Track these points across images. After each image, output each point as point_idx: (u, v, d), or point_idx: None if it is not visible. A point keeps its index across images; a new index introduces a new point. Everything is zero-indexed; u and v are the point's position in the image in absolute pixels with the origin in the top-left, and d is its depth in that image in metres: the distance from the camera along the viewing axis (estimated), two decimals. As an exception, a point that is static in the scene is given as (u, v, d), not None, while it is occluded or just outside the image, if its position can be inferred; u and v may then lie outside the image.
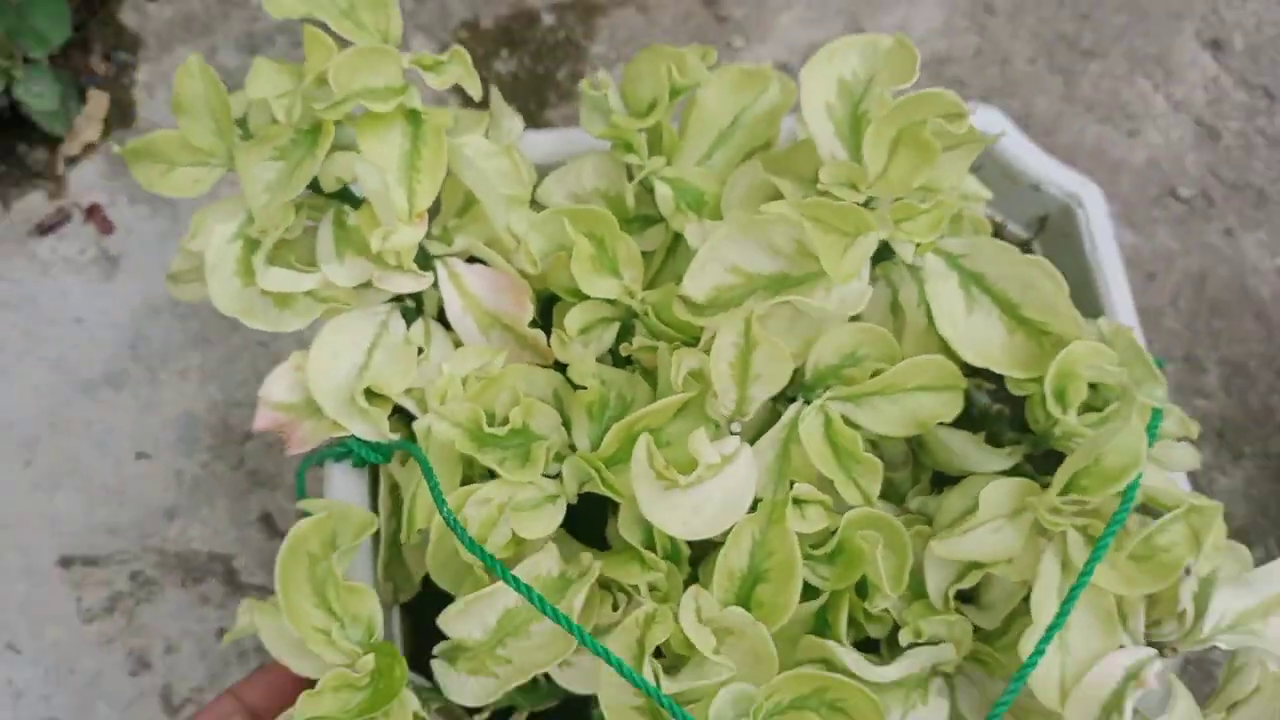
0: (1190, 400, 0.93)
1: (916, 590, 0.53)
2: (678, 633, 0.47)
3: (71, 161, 0.89)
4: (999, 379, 0.62)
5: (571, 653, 0.47)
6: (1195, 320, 0.98)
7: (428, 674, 0.52)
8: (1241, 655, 0.54)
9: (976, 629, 0.54)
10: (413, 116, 0.54)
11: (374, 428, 0.53)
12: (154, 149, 0.54)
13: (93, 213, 0.87)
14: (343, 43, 0.52)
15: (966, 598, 0.55)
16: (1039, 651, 0.47)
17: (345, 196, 0.56)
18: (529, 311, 0.57)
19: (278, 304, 0.54)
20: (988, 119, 0.65)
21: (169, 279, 0.57)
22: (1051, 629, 0.47)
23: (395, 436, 0.53)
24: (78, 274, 0.87)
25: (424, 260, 0.57)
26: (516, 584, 0.44)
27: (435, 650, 0.49)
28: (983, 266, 0.53)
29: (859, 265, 0.49)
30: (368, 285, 0.56)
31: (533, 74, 0.97)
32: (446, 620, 0.47)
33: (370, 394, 0.54)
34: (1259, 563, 0.52)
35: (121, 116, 0.90)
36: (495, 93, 0.63)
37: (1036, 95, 1.05)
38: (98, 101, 0.89)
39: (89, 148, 0.89)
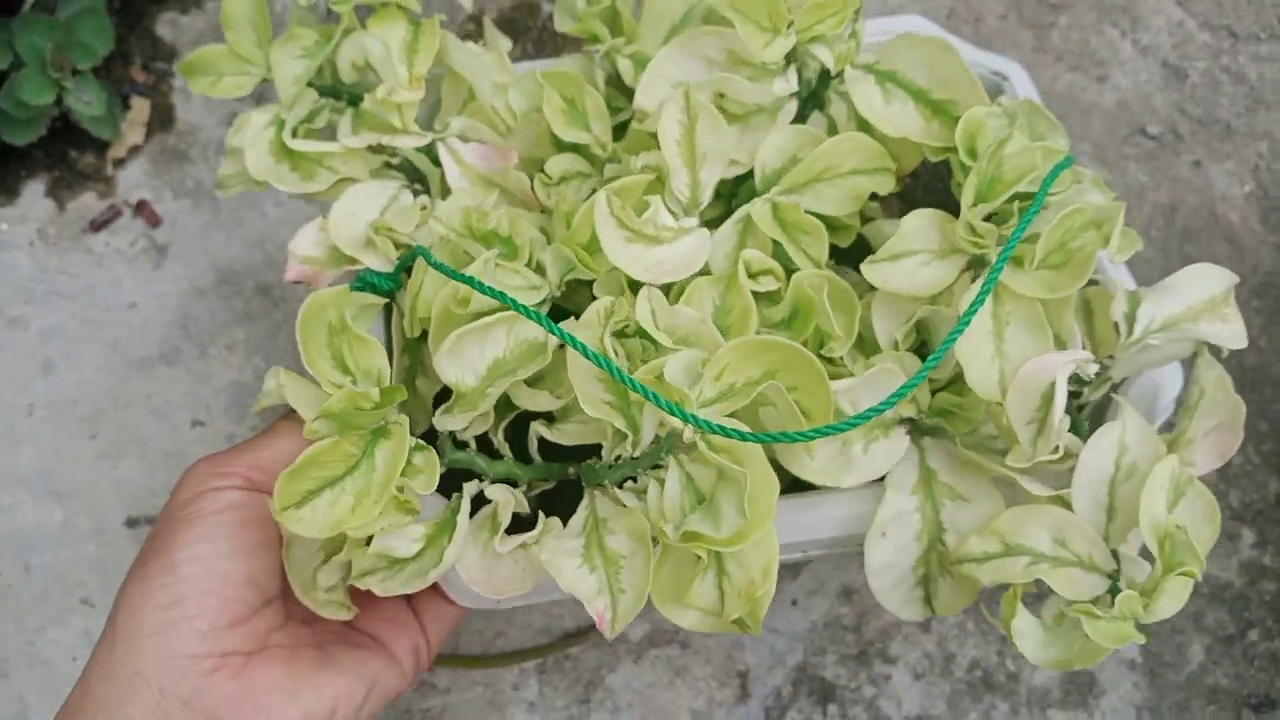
0: (1177, 301, 0.98)
1: (870, 350, 0.59)
2: (638, 339, 0.52)
3: (119, 163, 0.99)
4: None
5: (545, 364, 0.53)
6: (1168, 247, 1.03)
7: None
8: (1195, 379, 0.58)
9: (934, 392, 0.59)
10: (412, 19, 0.65)
11: (382, 257, 0.61)
12: (206, 62, 0.66)
13: (141, 208, 0.97)
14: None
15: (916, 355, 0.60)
16: (958, 330, 0.51)
17: (361, 100, 0.66)
18: (514, 159, 0.65)
19: (302, 175, 0.63)
20: (913, 23, 0.73)
21: (218, 185, 0.67)
22: (970, 310, 0.51)
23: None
24: (129, 264, 0.96)
25: (430, 150, 0.66)
26: (501, 296, 0.50)
27: (438, 411, 0.55)
28: (893, 64, 0.60)
29: (782, 51, 0.57)
30: (383, 167, 0.65)
31: (536, 60, 1.07)
32: (440, 358, 0.52)
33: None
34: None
35: (162, 120, 1.01)
36: (487, 22, 0.74)
37: (1009, 49, 1.13)
38: (140, 108, 1.00)
39: (134, 150, 0.99)
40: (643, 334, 0.51)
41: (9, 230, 0.97)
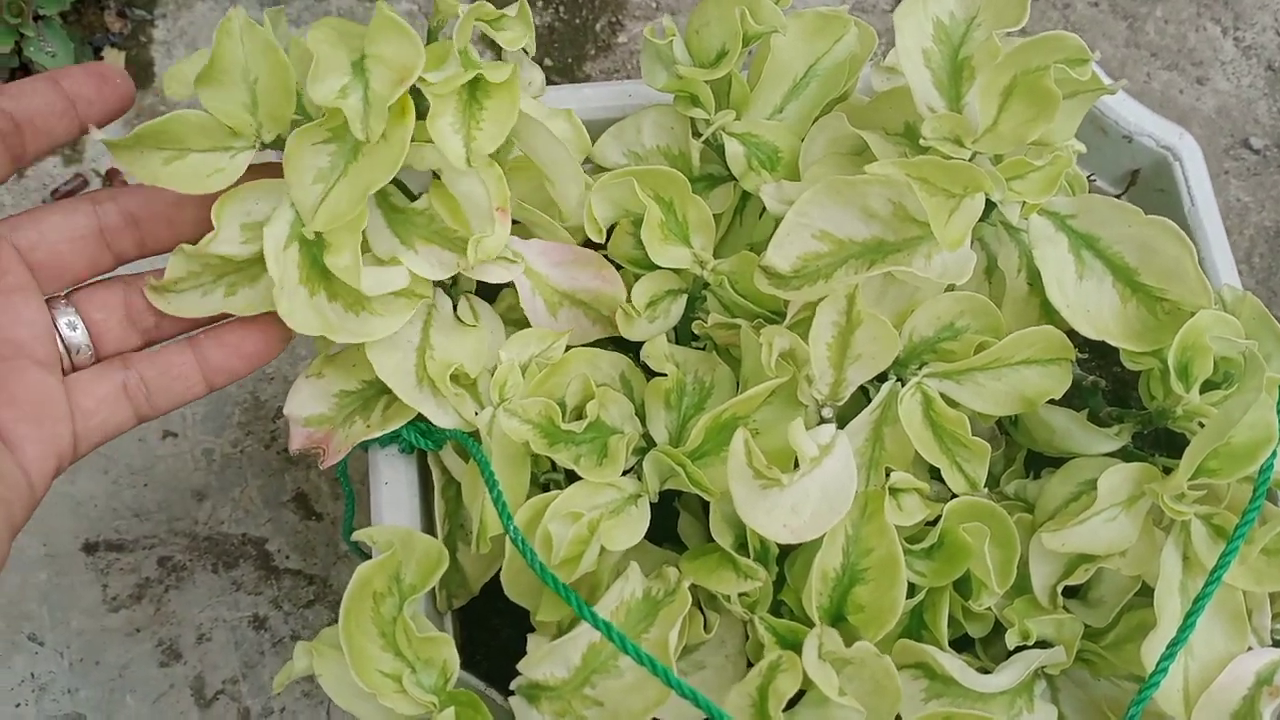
0: (1268, 363, 0.89)
1: (1019, 586, 0.49)
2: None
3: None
4: (1092, 347, 0.58)
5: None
6: (1271, 277, 0.93)
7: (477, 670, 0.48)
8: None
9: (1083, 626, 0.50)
10: (474, 84, 0.47)
11: (451, 412, 0.48)
12: (167, 134, 0.46)
13: (111, 177, 0.83)
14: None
15: (1070, 592, 0.51)
16: (1161, 670, 0.42)
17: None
18: (620, 284, 0.52)
19: (350, 307, 0.47)
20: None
21: (153, 290, 0.48)
22: (1176, 642, 0.42)
23: (473, 423, 0.48)
24: (95, 243, 0.82)
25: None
26: (609, 631, 0.39)
27: (513, 686, 0.44)
28: (1095, 228, 0.48)
29: (967, 228, 0.44)
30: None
31: (569, 25, 0.92)
32: (528, 666, 0.42)
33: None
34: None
35: (138, 77, 0.85)
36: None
37: (1100, 40, 1.00)
38: (113, 61, 0.84)
39: (104, 109, 0.84)
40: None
41: (-46, 199, 0.82)
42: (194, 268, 0.47)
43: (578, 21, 0.93)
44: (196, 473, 0.79)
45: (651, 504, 0.47)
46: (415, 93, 0.44)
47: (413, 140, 0.44)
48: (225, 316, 0.49)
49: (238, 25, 0.45)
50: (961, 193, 0.45)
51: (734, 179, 0.56)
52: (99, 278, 0.49)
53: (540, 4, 0.93)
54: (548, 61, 0.90)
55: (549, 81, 0.58)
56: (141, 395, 0.48)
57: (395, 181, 0.48)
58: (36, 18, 0.77)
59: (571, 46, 0.92)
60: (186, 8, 0.87)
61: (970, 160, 0.46)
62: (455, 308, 0.52)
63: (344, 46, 0.44)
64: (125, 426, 0.48)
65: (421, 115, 0.45)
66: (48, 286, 0.47)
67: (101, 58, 0.83)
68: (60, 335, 0.47)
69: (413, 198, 0.49)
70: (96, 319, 0.48)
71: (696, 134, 0.56)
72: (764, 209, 0.54)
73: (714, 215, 0.56)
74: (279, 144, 0.46)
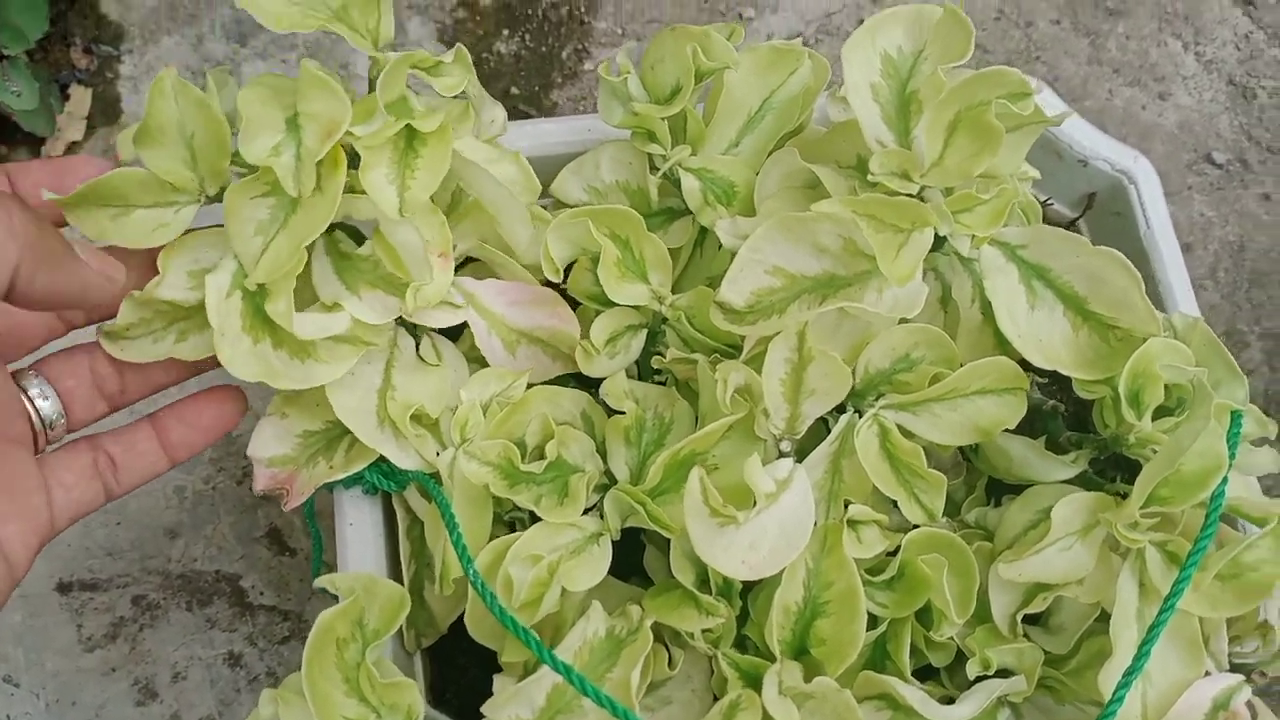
0: (1234, 376, 0.89)
1: (980, 614, 0.49)
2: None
3: (53, 163, 0.84)
4: (1051, 372, 0.58)
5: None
6: (1235, 292, 0.94)
7: (448, 708, 0.49)
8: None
9: (1044, 653, 0.50)
10: (407, 133, 0.47)
11: (412, 454, 0.49)
12: (109, 192, 0.45)
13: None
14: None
15: (1032, 619, 0.51)
16: (1118, 698, 0.43)
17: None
18: (575, 323, 0.52)
19: (295, 354, 0.47)
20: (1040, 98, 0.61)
21: (106, 337, 0.48)
22: (1132, 671, 0.43)
23: (435, 464, 0.49)
24: (65, 281, 0.82)
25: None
26: (568, 674, 0.39)
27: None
28: (1045, 259, 0.49)
29: (916, 264, 0.45)
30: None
31: (535, 54, 0.92)
32: (493, 710, 0.42)
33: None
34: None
35: (105, 113, 0.85)
36: (476, 85, 0.58)
37: (1062, 58, 1.01)
38: (80, 98, 0.84)
39: (73, 147, 0.83)
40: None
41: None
42: (144, 314, 0.47)
43: (544, 49, 0.93)
44: (169, 510, 0.79)
45: (616, 540, 0.47)
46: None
47: (353, 190, 0.45)
48: (189, 368, 0.50)
49: (170, 85, 0.45)
50: (909, 228, 0.45)
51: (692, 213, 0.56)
52: (59, 348, 0.49)
53: (506, 32, 0.93)
54: (514, 90, 0.91)
55: (516, 110, 0.58)
56: (110, 473, 0.48)
57: (346, 228, 0.49)
58: (1, 57, 0.77)
59: (538, 75, 0.92)
60: (153, 42, 0.88)
61: (920, 194, 0.47)
62: (418, 347, 0.53)
63: (276, 104, 0.44)
64: (96, 504, 0.48)
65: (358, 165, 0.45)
66: (9, 356, 0.47)
67: (68, 95, 0.83)
68: (35, 406, 0.47)
69: (363, 242, 0.49)
70: (68, 386, 0.48)
71: (654, 169, 0.57)
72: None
73: (674, 248, 0.56)
74: (223, 196, 0.46)
